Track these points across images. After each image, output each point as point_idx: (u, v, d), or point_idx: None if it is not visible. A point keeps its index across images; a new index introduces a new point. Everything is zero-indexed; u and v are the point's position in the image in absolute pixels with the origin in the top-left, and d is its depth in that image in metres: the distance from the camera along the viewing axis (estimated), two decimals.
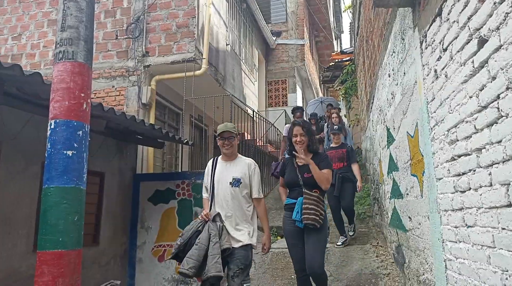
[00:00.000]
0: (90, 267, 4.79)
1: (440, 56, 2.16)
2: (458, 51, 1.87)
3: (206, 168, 3.31)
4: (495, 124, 1.56)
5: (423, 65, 2.50)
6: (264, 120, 9.77)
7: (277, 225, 6.02)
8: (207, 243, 2.87)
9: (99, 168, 5.12)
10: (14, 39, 7.36)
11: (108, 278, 5.04)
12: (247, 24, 10.79)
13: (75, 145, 2.20)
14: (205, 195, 3.28)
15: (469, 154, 1.84)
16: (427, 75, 2.43)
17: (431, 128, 2.41)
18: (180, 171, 7.37)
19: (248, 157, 3.42)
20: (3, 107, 3.69)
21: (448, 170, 2.13)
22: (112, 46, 6.87)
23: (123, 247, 5.61)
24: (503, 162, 1.50)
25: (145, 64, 6.65)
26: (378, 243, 5.30)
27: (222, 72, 7.96)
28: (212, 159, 3.32)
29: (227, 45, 8.52)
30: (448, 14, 1.99)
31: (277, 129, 10.36)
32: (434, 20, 2.23)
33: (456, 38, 1.89)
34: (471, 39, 1.73)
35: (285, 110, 11.47)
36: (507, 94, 1.44)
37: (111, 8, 6.98)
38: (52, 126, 2.19)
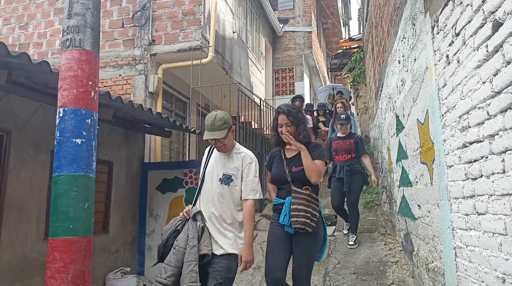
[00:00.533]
0: (100, 254, 4.86)
1: (452, 41, 2.11)
2: (472, 36, 1.83)
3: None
4: (509, 110, 1.52)
5: (435, 51, 2.45)
6: (272, 108, 9.73)
7: None
8: (186, 246, 2.47)
9: (107, 157, 5.15)
10: (21, 28, 7.37)
11: (118, 265, 5.13)
12: (253, 11, 10.68)
13: (84, 133, 2.20)
14: None
15: (481, 141, 1.81)
16: (439, 61, 2.38)
17: (442, 115, 2.38)
18: (187, 160, 7.40)
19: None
20: (12, 96, 3.71)
21: (459, 157, 2.10)
22: (118, 34, 6.85)
23: (132, 234, 5.68)
24: None
25: (152, 52, 6.62)
26: (386, 231, 5.29)
27: (229, 60, 7.91)
28: (209, 147, 2.84)
29: (233, 32, 8.45)
30: None
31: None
32: (446, 4, 2.17)
33: (470, 22, 1.84)
34: (485, 23, 1.68)
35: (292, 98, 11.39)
36: None
37: None
38: (61, 114, 2.19)
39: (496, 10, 1.57)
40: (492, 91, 1.64)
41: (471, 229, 2.00)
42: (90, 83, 2.27)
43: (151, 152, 6.40)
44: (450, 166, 2.28)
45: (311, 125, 6.98)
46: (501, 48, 1.56)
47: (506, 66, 1.52)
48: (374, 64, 6.59)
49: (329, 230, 5.01)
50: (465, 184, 2.05)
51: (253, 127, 8.07)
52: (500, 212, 1.65)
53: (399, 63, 3.82)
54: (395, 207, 4.69)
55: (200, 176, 2.75)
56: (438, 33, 2.38)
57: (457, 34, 2.02)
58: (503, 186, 1.61)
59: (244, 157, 2.64)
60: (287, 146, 2.76)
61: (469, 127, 1.93)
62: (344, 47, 11.22)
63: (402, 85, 3.74)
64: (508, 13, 1.47)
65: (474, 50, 1.81)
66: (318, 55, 14.80)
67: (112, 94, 3.86)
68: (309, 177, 2.62)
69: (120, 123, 5.09)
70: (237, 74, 8.37)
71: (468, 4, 1.85)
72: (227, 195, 2.59)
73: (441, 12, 2.27)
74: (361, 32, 10.56)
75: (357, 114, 11.00)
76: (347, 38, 14.05)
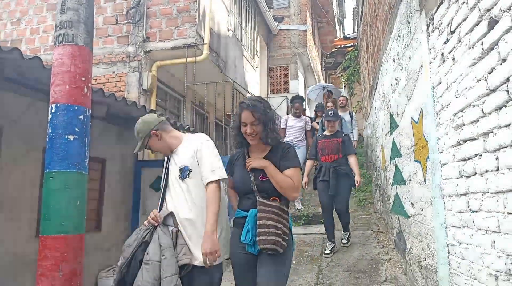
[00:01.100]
0: (92, 252, 4.82)
1: (447, 39, 2.12)
2: (467, 33, 1.83)
3: None
4: (503, 108, 1.53)
5: (430, 49, 2.46)
6: None
7: None
8: (160, 258, 2.05)
9: (100, 154, 5.11)
10: (13, 24, 7.28)
11: (110, 263, 5.09)
12: (248, 9, 10.65)
13: (76, 129, 2.17)
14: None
15: (475, 139, 1.81)
16: (434, 59, 2.39)
17: (437, 113, 2.38)
18: None
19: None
20: (3, 92, 3.66)
21: (453, 155, 2.11)
22: (112, 31, 6.79)
23: (125, 232, 5.63)
24: None
25: (146, 49, 6.57)
26: (379, 229, 5.32)
27: (224, 58, 7.88)
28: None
29: (228, 30, 8.42)
30: None
31: (279, 115, 10.27)
32: (442, 2, 2.18)
33: (465, 19, 1.84)
34: (481, 21, 1.68)
35: (286, 97, 11.39)
36: None
37: None
38: (53, 110, 2.16)
39: (492, 7, 1.57)
40: (487, 89, 1.65)
41: (464, 227, 2.01)
42: (83, 79, 2.24)
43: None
44: (444, 164, 2.29)
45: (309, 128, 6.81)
46: (496, 46, 1.56)
47: (501, 64, 1.53)
48: (369, 63, 6.61)
49: (323, 228, 5.01)
50: (459, 182, 2.06)
51: None
52: (494, 209, 1.66)
53: (394, 61, 3.83)
54: (388, 205, 4.71)
55: (161, 185, 2.41)
56: (433, 31, 2.38)
57: (453, 32, 2.02)
58: (496, 183, 1.61)
59: (194, 141, 2.33)
60: (252, 146, 2.31)
61: (464, 125, 1.94)
62: (339, 46, 11.25)
63: (396, 83, 3.75)
64: (504, 11, 1.48)
65: (470, 48, 1.81)
66: (312, 53, 14.82)
67: (105, 91, 3.82)
68: (284, 195, 2.16)
69: (113, 120, 5.04)
70: (231, 72, 8.35)
71: (464, 2, 1.86)
72: (194, 191, 2.21)
73: (437, 10, 2.28)
74: (356, 31, 10.59)
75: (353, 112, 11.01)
76: (341, 36, 14.09)
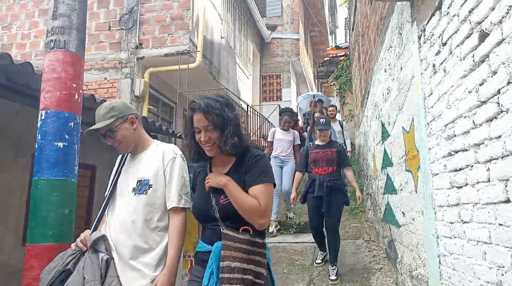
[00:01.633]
0: None
1: (439, 50, 2.14)
2: (458, 46, 1.85)
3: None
4: (494, 119, 1.54)
5: (421, 60, 2.48)
6: (258, 114, 9.73)
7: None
8: None
9: (90, 160, 5.06)
10: (4, 29, 7.22)
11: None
12: (242, 18, 10.71)
13: (66, 136, 2.15)
14: None
15: (466, 150, 1.82)
16: (425, 70, 2.41)
17: (428, 124, 2.40)
18: None
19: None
20: None
21: (445, 165, 2.12)
22: (105, 37, 6.77)
23: None
24: (502, 157, 1.49)
25: (139, 56, 6.56)
26: (370, 238, 5.31)
27: (217, 66, 7.89)
28: (121, 155, 2.04)
29: (221, 38, 8.44)
30: (449, 7, 1.96)
31: (271, 123, 10.33)
32: (433, 14, 2.20)
33: (456, 32, 1.87)
34: (472, 33, 1.70)
35: (279, 104, 11.42)
36: (508, 89, 1.43)
37: None
38: (43, 117, 2.14)
39: (483, 20, 1.59)
40: (478, 101, 1.66)
41: (455, 237, 2.02)
42: (74, 85, 2.22)
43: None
44: (435, 174, 2.30)
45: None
46: (487, 58, 1.58)
47: (492, 76, 1.54)
48: (361, 72, 6.67)
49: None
50: (450, 192, 2.06)
51: None
52: (485, 220, 1.66)
53: (385, 71, 3.86)
54: (379, 214, 4.71)
55: (106, 193, 1.96)
56: (425, 42, 2.41)
57: (444, 44, 2.05)
58: (488, 194, 1.62)
59: (165, 152, 1.90)
60: (214, 159, 1.79)
61: (455, 136, 1.95)
62: (331, 55, 11.34)
63: (388, 93, 3.78)
64: (495, 24, 1.50)
65: (461, 59, 1.83)
66: (305, 62, 14.93)
67: (97, 97, 3.79)
68: (249, 221, 1.60)
69: None
70: (224, 80, 8.36)
71: (455, 15, 1.88)
72: (145, 211, 1.79)
73: (428, 21, 2.31)
74: (348, 40, 10.69)
75: (344, 121, 11.07)
76: (334, 46, 14.23)
